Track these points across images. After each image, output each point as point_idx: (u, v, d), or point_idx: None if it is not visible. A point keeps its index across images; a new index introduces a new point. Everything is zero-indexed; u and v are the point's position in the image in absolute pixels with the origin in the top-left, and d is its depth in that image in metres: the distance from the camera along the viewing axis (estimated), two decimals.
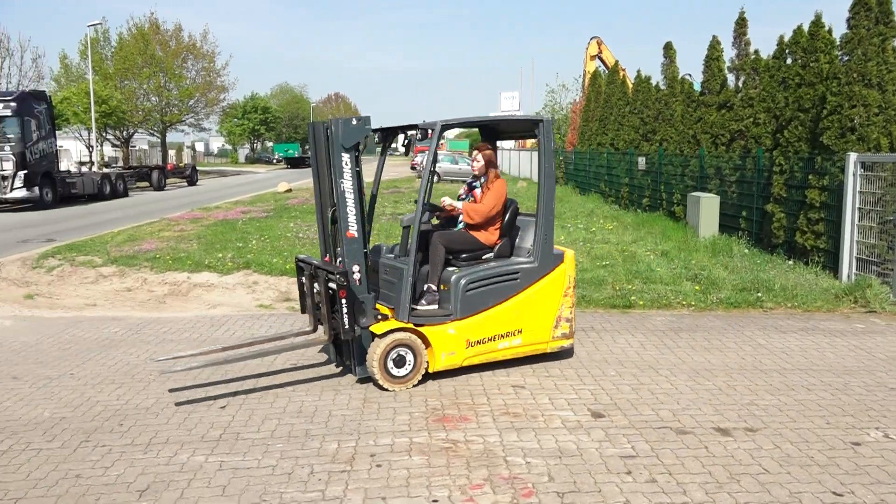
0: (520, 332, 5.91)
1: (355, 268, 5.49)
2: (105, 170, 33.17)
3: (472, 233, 6.08)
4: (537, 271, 5.94)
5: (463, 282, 5.66)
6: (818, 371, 6.06)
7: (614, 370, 6.06)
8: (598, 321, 7.80)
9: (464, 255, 5.98)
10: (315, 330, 5.91)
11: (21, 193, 23.27)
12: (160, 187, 34.25)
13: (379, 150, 6.64)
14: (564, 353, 6.39)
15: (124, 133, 48.15)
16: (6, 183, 23.01)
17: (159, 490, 3.95)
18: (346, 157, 5.37)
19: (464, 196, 6.40)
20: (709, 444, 4.50)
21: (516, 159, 42.27)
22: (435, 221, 6.48)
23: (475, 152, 6.33)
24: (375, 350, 5.41)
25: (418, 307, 5.69)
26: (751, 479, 4.02)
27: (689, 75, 18.44)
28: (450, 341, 5.64)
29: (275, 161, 73.23)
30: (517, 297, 5.87)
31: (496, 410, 5.10)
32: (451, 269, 5.84)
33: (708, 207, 12.98)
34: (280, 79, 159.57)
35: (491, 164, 6.25)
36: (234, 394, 5.50)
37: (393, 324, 5.51)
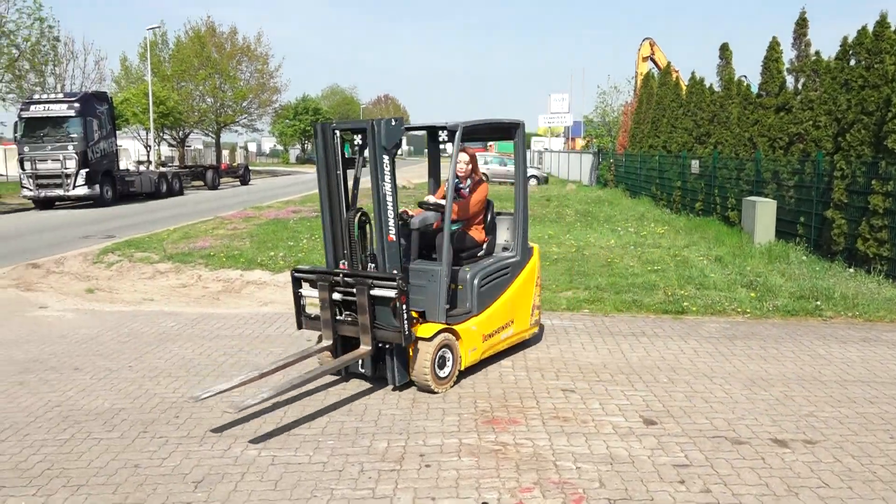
0: (512, 322, 6.30)
1: (394, 272, 5.39)
2: (162, 169, 34.07)
3: (468, 231, 6.19)
4: (519, 265, 6.38)
5: (476, 279, 5.85)
6: (881, 383, 5.84)
7: (666, 377, 5.95)
8: (649, 326, 7.67)
9: (463, 254, 6.07)
10: (334, 343, 5.62)
11: (83, 191, 24.08)
12: (214, 186, 35.02)
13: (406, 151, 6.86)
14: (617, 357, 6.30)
15: (180, 133, 49.42)
16: (69, 180, 23.83)
17: (214, 482, 4.03)
18: (386, 158, 5.27)
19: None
20: (766, 456, 4.38)
21: (565, 161, 41.95)
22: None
23: (462, 155, 6.16)
24: (426, 353, 5.35)
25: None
26: (810, 493, 3.90)
27: (745, 77, 18.04)
28: (473, 337, 5.82)
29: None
30: (509, 290, 6.25)
31: (546, 414, 5.06)
32: (454, 267, 5.86)
33: (764, 212, 12.66)
34: (331, 80, 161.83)
35: (475, 166, 6.37)
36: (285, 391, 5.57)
37: (435, 326, 5.47)
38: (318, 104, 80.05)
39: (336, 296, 5.53)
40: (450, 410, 5.14)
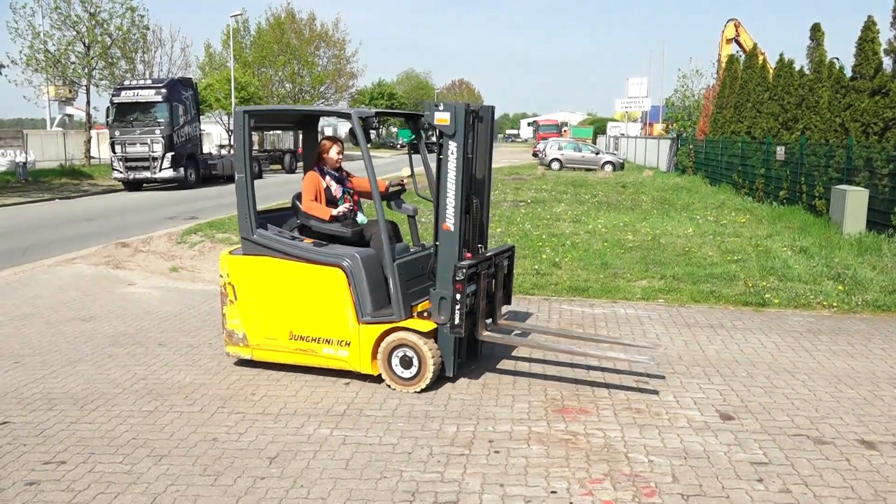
0: None
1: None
2: None
3: None
4: None
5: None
6: None
7: (745, 371, 5.75)
8: (727, 318, 7.43)
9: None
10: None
11: (168, 173, 25.07)
12: (292, 170, 35.84)
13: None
14: (688, 353, 6.13)
15: None
16: (156, 163, 24.84)
17: (287, 459, 4.14)
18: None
19: (341, 191, 5.94)
20: (851, 457, 4.18)
21: (642, 147, 40.98)
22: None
23: (337, 145, 5.91)
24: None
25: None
26: None
27: (837, 59, 17.14)
28: None
29: (398, 146, 74.70)
30: None
31: (618, 405, 4.98)
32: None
33: (855, 202, 12.03)
34: (406, 65, 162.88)
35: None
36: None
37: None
38: (393, 89, 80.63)
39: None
40: (520, 397, 5.11)
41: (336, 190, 5.87)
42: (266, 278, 5.51)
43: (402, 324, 5.20)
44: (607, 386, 5.36)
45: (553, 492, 3.74)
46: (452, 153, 5.12)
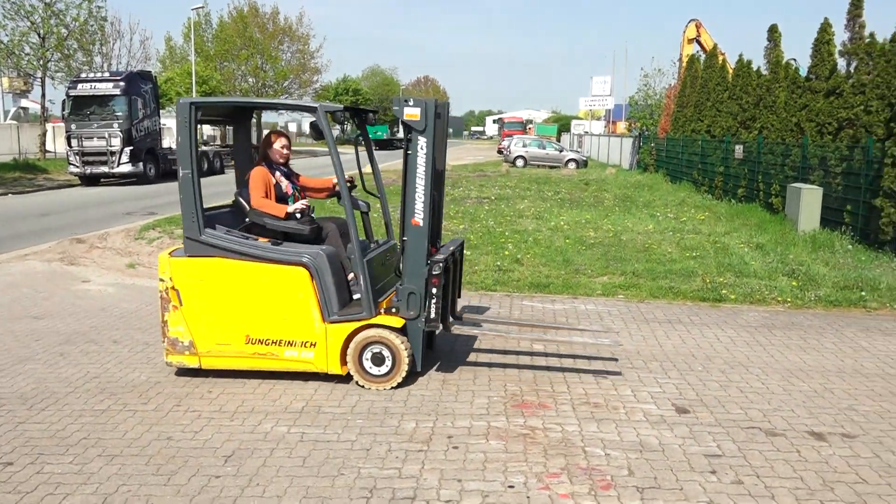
0: None
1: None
2: (204, 147, 34.54)
3: None
4: None
5: None
6: None
7: (701, 365, 5.85)
8: (685, 314, 7.54)
9: None
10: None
11: (126, 168, 24.57)
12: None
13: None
14: (645, 347, 6.21)
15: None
16: (114, 158, 24.32)
17: (244, 457, 4.09)
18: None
19: (291, 188, 5.80)
20: (801, 448, 4.27)
21: (605, 145, 41.40)
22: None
23: (283, 139, 5.77)
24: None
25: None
26: (846, 489, 3.80)
27: (794, 60, 17.51)
28: None
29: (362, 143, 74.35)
30: None
31: (576, 399, 5.02)
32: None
33: (809, 200, 12.31)
34: (371, 61, 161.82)
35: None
36: None
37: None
38: (358, 85, 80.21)
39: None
40: (479, 393, 5.12)
41: (287, 187, 5.70)
42: (217, 281, 5.20)
43: (373, 321, 5.14)
44: (566, 381, 5.40)
45: (510, 486, 3.75)
46: (422, 148, 5.10)
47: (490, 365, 5.75)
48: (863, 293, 8.20)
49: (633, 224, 13.43)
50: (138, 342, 6.37)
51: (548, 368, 5.69)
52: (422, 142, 5.08)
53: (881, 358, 6.14)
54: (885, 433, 4.53)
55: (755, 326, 7.08)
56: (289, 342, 5.19)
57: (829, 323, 7.28)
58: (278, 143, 5.70)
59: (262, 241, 5.32)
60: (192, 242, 5.23)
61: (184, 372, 5.53)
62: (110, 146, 24.23)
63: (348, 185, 5.71)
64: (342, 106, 5.36)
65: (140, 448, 4.20)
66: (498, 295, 8.23)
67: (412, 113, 5.05)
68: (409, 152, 5.14)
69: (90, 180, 25.02)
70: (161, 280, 5.31)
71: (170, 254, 5.40)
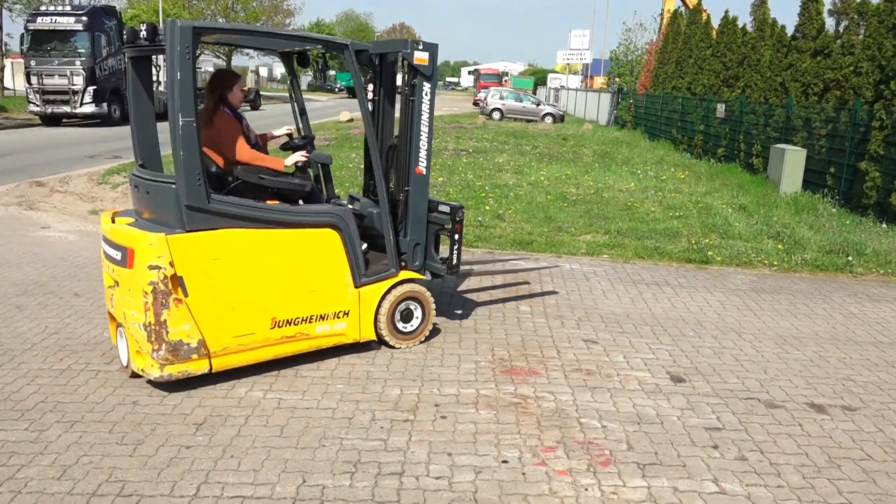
0: None
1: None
2: (162, 90, 33.35)
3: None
4: None
5: None
6: None
7: (693, 330, 5.66)
8: (672, 276, 7.35)
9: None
10: None
11: (90, 109, 23.53)
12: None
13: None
14: (636, 310, 6.01)
15: None
16: (76, 97, 23.28)
17: (216, 425, 3.79)
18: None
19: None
20: (803, 422, 4.11)
21: (582, 100, 40.93)
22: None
23: (240, 81, 5.07)
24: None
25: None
26: (853, 466, 3.64)
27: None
28: None
29: (337, 90, 72.78)
30: None
31: (567, 366, 4.79)
32: None
33: (793, 161, 12.16)
34: (346, 6, 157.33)
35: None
36: None
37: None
38: (332, 30, 78.06)
39: None
40: (466, 357, 4.87)
41: (255, 138, 5.08)
42: (235, 258, 4.18)
43: (402, 277, 4.89)
44: (556, 346, 5.17)
45: (504, 461, 3.52)
46: (426, 94, 4.87)
47: (476, 329, 5.49)
48: (849, 258, 8.08)
49: (615, 181, 13.19)
50: (101, 295, 5.97)
51: (535, 333, 5.45)
52: (426, 87, 4.87)
53: (872, 325, 6.02)
54: (886, 405, 4.39)
55: (744, 290, 6.92)
56: (321, 316, 4.55)
57: (816, 288, 7.15)
58: (237, 87, 4.91)
59: (272, 202, 4.57)
60: (197, 213, 4.06)
61: None
62: (72, 85, 23.15)
63: (287, 136, 5.30)
64: (370, 44, 4.89)
65: (103, 413, 3.88)
66: (479, 251, 7.95)
67: (422, 57, 4.77)
68: (413, 98, 4.86)
69: (51, 120, 23.96)
70: (153, 268, 3.94)
71: (166, 234, 4.03)
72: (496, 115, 35.37)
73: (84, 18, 23.48)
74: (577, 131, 26.44)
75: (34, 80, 23.18)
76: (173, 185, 4.06)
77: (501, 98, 37.07)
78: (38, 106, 23.41)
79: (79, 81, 23.18)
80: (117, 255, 4.19)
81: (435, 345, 5.08)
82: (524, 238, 8.47)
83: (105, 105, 23.90)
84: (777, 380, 4.72)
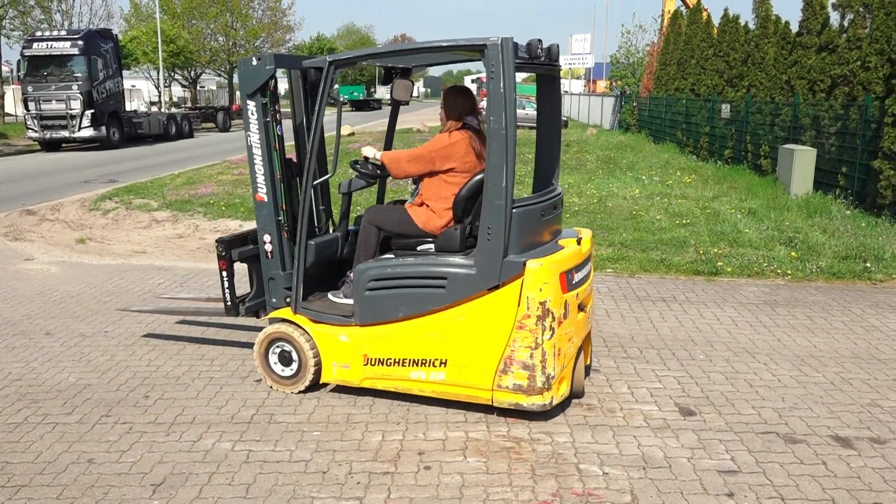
0: (443, 364, 4.09)
1: (266, 237, 4.62)
2: (173, 110, 33.23)
3: (408, 209, 4.45)
4: (475, 282, 3.95)
5: (368, 275, 4.20)
6: None
7: (703, 353, 5.27)
8: (680, 290, 6.96)
9: (401, 241, 4.48)
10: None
11: (88, 132, 23.39)
12: (225, 128, 34.15)
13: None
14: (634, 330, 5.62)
15: (192, 73, 48.29)
16: (74, 122, 23.13)
17: (176, 485, 3.43)
18: (251, 104, 4.62)
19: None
20: (827, 459, 3.70)
21: (585, 105, 40.54)
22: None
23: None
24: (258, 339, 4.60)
25: (330, 298, 4.58)
26: None
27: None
28: (342, 350, 4.33)
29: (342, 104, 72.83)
30: (441, 315, 4.06)
31: (566, 400, 4.40)
32: (387, 255, 4.48)
33: (802, 161, 11.73)
34: (346, 19, 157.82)
35: (450, 110, 4.48)
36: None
37: (281, 313, 4.54)
38: (333, 44, 78.09)
39: None
40: None
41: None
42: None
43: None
44: None
45: None
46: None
47: None
48: (867, 264, 7.66)
49: (619, 188, 12.79)
50: (74, 333, 5.65)
51: None
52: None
53: None
54: None
55: (756, 304, 6.52)
56: None
57: (833, 298, 6.74)
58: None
59: None
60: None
61: (119, 371, 4.85)
62: (70, 109, 23.01)
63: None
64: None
65: (53, 475, 3.53)
66: None
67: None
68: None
69: (51, 146, 23.85)
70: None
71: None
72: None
73: (80, 42, 23.36)
74: (580, 136, 26.04)
75: (32, 105, 23.08)
76: None
77: None
78: (36, 131, 23.30)
79: (76, 106, 23.04)
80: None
81: None
82: None
83: (103, 128, 23.75)
84: (796, 409, 4.32)
